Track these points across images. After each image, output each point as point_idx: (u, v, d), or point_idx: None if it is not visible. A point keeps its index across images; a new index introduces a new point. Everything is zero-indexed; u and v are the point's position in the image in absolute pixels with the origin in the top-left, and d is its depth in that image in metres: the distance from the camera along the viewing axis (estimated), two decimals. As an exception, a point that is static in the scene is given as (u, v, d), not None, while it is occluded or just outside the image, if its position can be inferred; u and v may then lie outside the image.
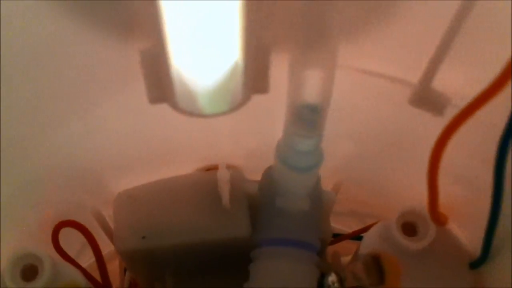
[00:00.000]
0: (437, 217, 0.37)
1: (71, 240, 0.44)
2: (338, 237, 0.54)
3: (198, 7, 0.26)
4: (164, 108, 0.37)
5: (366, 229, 0.48)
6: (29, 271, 0.38)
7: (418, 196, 0.40)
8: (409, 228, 0.39)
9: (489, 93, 0.26)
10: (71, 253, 0.42)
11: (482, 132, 0.35)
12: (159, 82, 0.29)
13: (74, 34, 0.30)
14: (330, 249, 0.50)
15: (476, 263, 0.39)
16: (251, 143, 0.45)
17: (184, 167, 0.45)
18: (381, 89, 0.35)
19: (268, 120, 0.42)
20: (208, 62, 0.29)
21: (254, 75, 0.29)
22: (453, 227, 0.41)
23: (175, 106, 0.30)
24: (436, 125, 0.34)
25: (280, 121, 0.36)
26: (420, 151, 0.37)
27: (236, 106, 0.31)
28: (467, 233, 0.41)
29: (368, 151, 0.46)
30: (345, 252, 0.49)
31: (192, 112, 0.30)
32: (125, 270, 0.50)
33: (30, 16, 0.29)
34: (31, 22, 0.28)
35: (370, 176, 0.49)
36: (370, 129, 0.43)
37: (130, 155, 0.44)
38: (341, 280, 0.39)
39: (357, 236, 0.52)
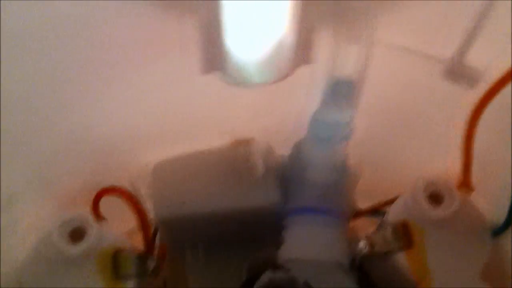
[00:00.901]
0: (468, 184, 0.39)
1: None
2: (356, 212, 0.56)
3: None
4: (195, 83, 0.40)
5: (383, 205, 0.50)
6: (76, 234, 0.40)
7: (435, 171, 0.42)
8: (435, 197, 0.41)
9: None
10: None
11: (505, 114, 0.37)
12: (212, 53, 0.31)
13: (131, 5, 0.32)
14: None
15: (498, 231, 0.41)
16: (273, 119, 0.47)
17: (214, 140, 0.47)
18: (411, 63, 0.37)
19: (290, 99, 0.44)
20: (258, 36, 0.31)
21: (301, 47, 0.31)
22: (475, 198, 0.43)
23: (225, 76, 0.32)
24: (461, 99, 0.36)
25: (302, 100, 0.38)
26: (441, 127, 0.39)
27: (282, 77, 0.33)
28: (488, 204, 0.43)
29: (386, 129, 0.48)
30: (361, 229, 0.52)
31: (241, 82, 0.32)
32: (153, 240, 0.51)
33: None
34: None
35: (385, 153, 0.51)
36: (393, 105, 0.45)
37: (161, 129, 0.46)
38: (371, 245, 0.41)
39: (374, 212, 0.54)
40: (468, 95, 0.34)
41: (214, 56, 0.31)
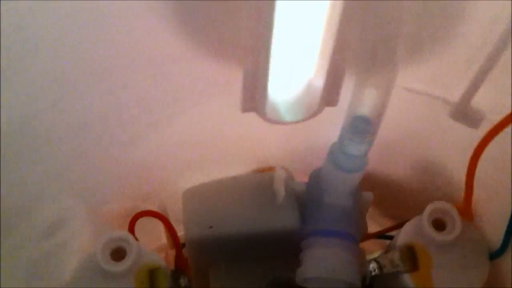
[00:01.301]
0: (470, 213, 0.44)
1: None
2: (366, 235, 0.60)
3: (290, 33, 0.33)
4: (234, 122, 0.45)
5: (389, 229, 0.55)
6: (118, 253, 0.44)
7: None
8: (438, 223, 0.46)
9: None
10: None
11: (501, 141, 0.42)
12: (253, 94, 0.36)
13: (183, 50, 0.37)
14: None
15: (495, 254, 0.46)
16: (297, 148, 0.52)
17: (239, 168, 0.52)
18: (421, 105, 0.42)
19: (315, 130, 0.49)
20: (293, 80, 0.36)
21: (329, 90, 0.36)
22: (475, 223, 0.48)
23: (262, 115, 0.37)
24: (463, 138, 0.41)
25: (324, 131, 0.43)
26: (446, 159, 0.44)
27: (311, 115, 0.38)
28: (487, 229, 0.47)
29: (397, 161, 0.53)
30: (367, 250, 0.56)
31: (276, 121, 0.37)
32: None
33: (149, 28, 0.35)
34: (153, 35, 0.35)
35: (392, 182, 0.56)
36: (402, 141, 0.50)
37: (194, 158, 0.50)
38: (380, 267, 0.46)
39: (383, 235, 0.59)
40: (473, 133, 0.39)
41: (253, 97, 0.36)
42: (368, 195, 0.50)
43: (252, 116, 0.40)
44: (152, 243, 0.54)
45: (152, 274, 0.44)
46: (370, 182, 0.52)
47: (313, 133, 0.48)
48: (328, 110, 0.41)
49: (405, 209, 0.50)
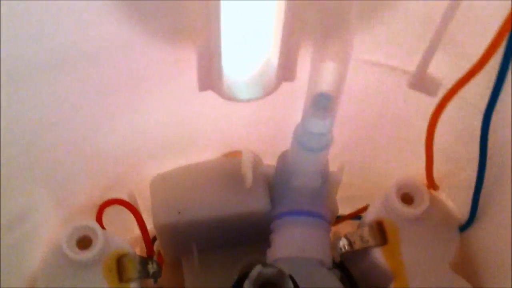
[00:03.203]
0: (433, 182, 0.44)
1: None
2: (338, 218, 0.60)
3: (242, 14, 0.33)
4: (194, 103, 0.44)
5: (363, 210, 0.55)
6: (84, 242, 0.44)
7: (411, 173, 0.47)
8: (407, 197, 0.46)
9: (469, 75, 0.34)
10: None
11: (464, 115, 0.42)
12: (209, 73, 0.35)
13: (133, 37, 0.37)
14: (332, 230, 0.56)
15: (465, 226, 0.46)
16: (265, 132, 0.52)
17: (207, 153, 0.52)
18: (381, 76, 0.42)
19: (281, 111, 0.48)
20: (248, 57, 0.36)
21: (285, 66, 0.36)
22: (443, 197, 0.48)
23: (219, 92, 0.36)
24: (425, 107, 0.41)
25: (290, 113, 0.43)
26: (409, 130, 0.44)
27: (268, 92, 0.37)
28: (455, 201, 0.48)
29: (361, 136, 0.53)
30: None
31: (233, 98, 0.37)
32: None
33: (97, 20, 0.35)
34: (103, 26, 0.35)
35: (363, 159, 0.56)
36: (364, 115, 0.50)
37: (161, 144, 0.50)
38: (350, 243, 0.46)
39: (356, 217, 0.59)
40: (432, 101, 0.39)
41: (209, 76, 0.36)
42: (337, 175, 0.50)
43: (215, 99, 0.40)
44: (126, 235, 0.53)
45: (120, 261, 0.44)
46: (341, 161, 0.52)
47: (281, 116, 0.48)
48: (294, 92, 0.41)
49: (375, 188, 0.49)
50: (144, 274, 0.45)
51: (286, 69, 0.36)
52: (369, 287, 0.49)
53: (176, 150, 0.50)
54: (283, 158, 0.48)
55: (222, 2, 0.31)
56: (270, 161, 0.50)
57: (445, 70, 0.37)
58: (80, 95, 0.40)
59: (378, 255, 0.45)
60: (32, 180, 0.42)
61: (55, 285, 0.43)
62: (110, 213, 0.48)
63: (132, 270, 0.44)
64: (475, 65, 0.34)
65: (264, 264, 0.37)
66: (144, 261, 0.45)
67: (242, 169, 0.47)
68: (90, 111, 0.42)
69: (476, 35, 0.34)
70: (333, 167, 0.49)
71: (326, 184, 0.48)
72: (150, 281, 0.47)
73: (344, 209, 0.57)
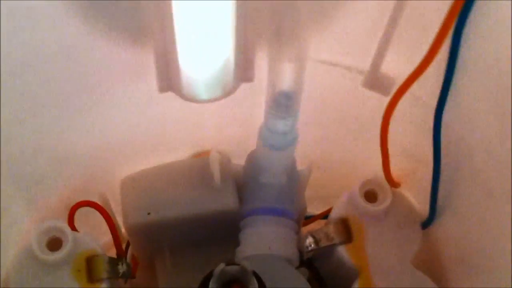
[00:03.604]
0: (391, 180, 0.45)
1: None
2: (309, 218, 0.61)
3: (200, 13, 0.34)
4: (160, 104, 0.46)
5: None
6: (54, 243, 0.44)
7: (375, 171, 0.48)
8: (370, 195, 0.47)
9: (417, 72, 0.35)
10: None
11: (419, 113, 0.43)
12: (167, 74, 0.36)
13: (92, 38, 0.38)
14: (303, 230, 0.57)
15: (426, 223, 0.47)
16: (234, 131, 0.53)
17: (177, 154, 0.53)
18: (337, 76, 0.43)
19: (248, 112, 0.49)
20: (206, 57, 0.37)
21: (242, 67, 0.37)
22: (407, 194, 0.49)
23: (179, 93, 0.37)
24: (382, 106, 0.42)
25: (258, 113, 0.44)
26: (371, 129, 0.45)
27: (228, 93, 0.38)
28: (418, 198, 0.49)
29: (328, 135, 0.54)
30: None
31: (193, 98, 0.38)
32: (126, 250, 0.56)
33: (55, 22, 0.36)
34: (56, 27, 0.35)
35: (330, 158, 0.57)
36: (327, 115, 0.51)
37: (130, 145, 0.51)
38: (316, 241, 0.47)
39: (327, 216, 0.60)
40: (386, 100, 0.40)
41: (168, 76, 0.37)
42: (305, 172, 0.51)
43: (180, 100, 0.41)
44: (102, 238, 0.54)
45: (90, 261, 0.45)
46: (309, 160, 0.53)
47: (247, 116, 0.49)
48: (258, 92, 0.42)
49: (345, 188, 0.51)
50: (113, 274, 0.45)
51: (244, 70, 0.37)
52: (336, 285, 0.49)
53: (146, 151, 0.51)
54: (250, 157, 0.49)
55: (176, 2, 0.32)
56: (239, 161, 0.51)
57: (398, 69, 0.39)
58: (43, 96, 0.41)
59: (343, 252, 0.46)
60: (2, 180, 0.43)
61: (26, 285, 0.44)
62: (85, 216, 0.49)
63: (101, 270, 0.45)
64: (422, 62, 0.35)
65: (227, 262, 0.38)
66: (113, 262, 0.45)
67: (210, 168, 0.48)
68: (55, 111, 0.42)
69: (425, 33, 0.35)
70: (302, 165, 0.49)
71: (294, 182, 0.49)
72: (122, 282, 0.48)
73: (316, 210, 0.58)
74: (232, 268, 0.39)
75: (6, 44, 0.34)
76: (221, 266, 0.38)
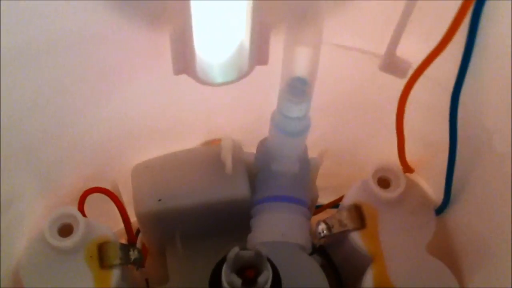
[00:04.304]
0: (406, 165, 0.45)
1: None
2: (319, 207, 0.61)
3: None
4: (173, 90, 0.45)
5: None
6: (66, 229, 0.44)
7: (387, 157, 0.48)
8: (384, 181, 0.47)
9: (433, 54, 0.34)
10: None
11: (435, 97, 0.43)
12: (183, 57, 0.36)
13: (111, 22, 0.37)
14: (313, 219, 0.57)
15: (441, 209, 0.47)
16: (246, 119, 0.52)
17: (188, 142, 0.53)
18: (353, 60, 0.43)
19: (260, 98, 0.49)
20: (221, 40, 0.37)
21: (257, 49, 0.37)
22: (420, 180, 0.49)
23: (194, 76, 0.37)
24: (397, 90, 0.42)
25: (270, 100, 0.44)
26: (384, 115, 0.45)
27: (242, 76, 0.38)
28: (431, 184, 0.48)
29: (341, 122, 0.54)
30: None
31: (207, 81, 0.38)
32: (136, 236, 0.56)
33: (80, 8, 0.36)
34: (80, 14, 0.35)
35: (341, 146, 0.57)
36: (340, 100, 0.50)
37: (142, 132, 0.51)
38: (329, 228, 0.47)
39: (337, 205, 0.59)
40: (401, 84, 0.40)
41: (183, 59, 0.37)
42: (317, 160, 0.51)
43: (193, 86, 0.41)
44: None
45: (102, 247, 0.44)
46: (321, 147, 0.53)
47: (259, 102, 0.49)
48: (271, 78, 0.42)
49: (354, 175, 0.50)
50: (125, 260, 0.45)
51: (259, 53, 0.37)
52: (349, 271, 0.49)
53: (158, 139, 0.51)
54: (262, 144, 0.49)
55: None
56: (250, 149, 0.50)
57: (414, 52, 0.38)
58: (59, 82, 0.40)
59: (357, 239, 0.46)
60: (15, 167, 0.42)
61: (38, 272, 0.43)
62: (95, 206, 0.49)
63: (113, 256, 0.44)
64: (438, 45, 0.34)
65: (242, 247, 0.38)
66: (125, 248, 0.45)
67: (222, 156, 0.48)
68: (70, 98, 0.42)
69: (441, 16, 0.35)
70: (313, 154, 0.49)
71: (306, 169, 0.48)
72: (134, 269, 0.47)
73: (324, 199, 0.57)
74: (246, 253, 0.38)
75: (28, 30, 0.34)
76: (235, 250, 0.38)
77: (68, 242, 0.43)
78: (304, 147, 0.48)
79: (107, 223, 0.48)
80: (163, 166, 0.50)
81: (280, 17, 0.36)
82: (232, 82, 0.38)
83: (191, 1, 0.33)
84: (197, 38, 0.36)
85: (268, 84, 0.43)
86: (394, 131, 0.45)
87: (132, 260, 0.45)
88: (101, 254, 0.44)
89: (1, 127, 0.39)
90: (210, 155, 0.50)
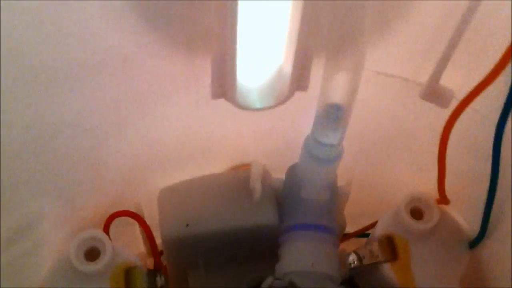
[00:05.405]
0: (444, 196, 0.44)
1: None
2: (345, 235, 0.60)
3: (256, 20, 0.33)
4: (203, 115, 0.45)
5: (370, 227, 0.54)
6: (91, 253, 0.43)
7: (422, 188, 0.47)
8: (416, 212, 0.46)
9: (480, 86, 0.34)
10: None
11: (477, 128, 0.42)
12: (222, 81, 0.35)
13: (146, 45, 0.37)
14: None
15: (474, 242, 0.46)
16: (275, 145, 0.52)
17: (215, 166, 0.52)
18: (393, 88, 0.42)
19: (289, 124, 0.48)
20: (260, 64, 0.36)
21: (298, 75, 0.36)
22: (453, 212, 0.48)
23: (232, 101, 0.36)
24: (436, 120, 0.41)
25: (300, 125, 0.43)
26: (419, 144, 0.44)
27: (281, 101, 0.37)
28: (465, 218, 0.47)
29: (371, 150, 0.53)
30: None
31: (246, 106, 0.37)
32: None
33: (113, 28, 0.36)
34: (120, 36, 0.35)
35: (369, 174, 0.56)
36: (376, 128, 0.50)
37: (169, 156, 0.50)
38: (360, 259, 0.46)
39: (362, 234, 0.59)
40: (443, 115, 0.39)
41: (222, 83, 0.36)
42: (346, 189, 0.50)
43: (224, 110, 0.40)
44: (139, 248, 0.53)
45: (128, 273, 0.44)
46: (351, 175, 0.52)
47: (289, 128, 0.48)
48: (303, 103, 0.41)
49: (382, 204, 0.49)
50: (152, 286, 0.44)
51: (300, 78, 0.37)
52: (378, 304, 0.48)
53: (184, 162, 0.50)
54: (291, 171, 0.48)
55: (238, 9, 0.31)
56: (278, 175, 0.50)
57: (457, 82, 0.38)
58: (92, 105, 0.40)
59: (388, 271, 0.45)
60: (40, 188, 0.42)
61: (62, 296, 0.42)
62: (114, 230, 0.47)
63: (140, 282, 0.44)
64: (487, 77, 0.34)
65: (275, 277, 0.37)
66: (152, 274, 0.44)
67: (251, 182, 0.47)
68: (101, 121, 0.42)
69: (488, 46, 0.35)
70: (341, 182, 0.48)
71: (335, 197, 0.47)
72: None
73: (349, 227, 0.56)
74: (280, 283, 0.38)
75: (65, 51, 0.33)
76: (269, 280, 0.37)
77: (94, 267, 0.43)
78: (335, 175, 0.47)
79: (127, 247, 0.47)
80: (190, 190, 0.49)
81: (322, 42, 0.36)
82: (270, 107, 0.38)
83: (233, 27, 0.32)
84: (239, 63, 0.35)
85: (299, 109, 0.42)
86: (425, 161, 0.44)
87: (158, 286, 0.44)
88: (127, 280, 0.43)
89: (26, 150, 0.38)
90: (238, 180, 0.49)
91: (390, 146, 0.49)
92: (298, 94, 0.41)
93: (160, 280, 0.44)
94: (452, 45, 0.33)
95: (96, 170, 0.46)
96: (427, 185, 0.46)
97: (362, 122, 0.45)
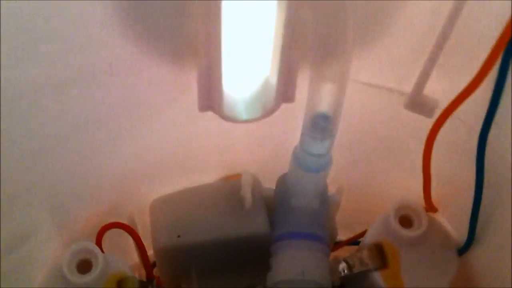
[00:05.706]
0: (431, 205, 0.44)
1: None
2: (336, 244, 0.60)
3: (242, 33, 0.34)
4: (192, 126, 0.45)
5: (361, 235, 0.55)
6: (84, 265, 0.44)
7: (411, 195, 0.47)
8: (405, 220, 0.46)
9: (463, 95, 0.34)
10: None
11: (461, 136, 0.42)
12: (209, 93, 0.36)
13: (136, 58, 0.37)
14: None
15: (463, 249, 0.46)
16: (265, 154, 0.52)
17: (206, 176, 0.52)
18: (377, 98, 0.43)
19: (279, 134, 0.49)
20: (246, 76, 0.37)
21: (284, 87, 0.36)
22: (442, 220, 0.48)
23: (219, 113, 0.37)
24: (421, 129, 0.42)
25: (288, 135, 0.44)
26: (406, 153, 0.44)
27: (268, 113, 0.38)
28: (454, 225, 0.48)
29: (360, 159, 0.53)
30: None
31: (233, 118, 0.37)
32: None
33: (101, 40, 0.36)
34: (112, 48, 0.35)
35: (357, 182, 0.56)
36: (363, 137, 0.50)
37: (160, 167, 0.50)
38: (349, 267, 0.46)
39: (354, 242, 0.59)
40: (428, 124, 0.39)
41: (209, 96, 0.36)
42: (337, 197, 0.50)
43: (214, 122, 0.41)
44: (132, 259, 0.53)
45: (120, 284, 0.44)
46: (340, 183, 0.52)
47: (279, 138, 0.48)
48: (292, 113, 0.42)
49: (372, 213, 0.50)
50: (144, 297, 0.44)
51: (286, 90, 0.37)
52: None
53: (176, 173, 0.50)
54: (282, 180, 0.48)
55: (223, 22, 0.31)
56: (269, 184, 0.50)
57: (441, 92, 0.38)
58: (83, 116, 0.40)
59: (378, 279, 0.45)
60: (33, 201, 0.42)
61: (55, 307, 0.43)
62: (108, 240, 0.48)
63: (132, 293, 0.44)
64: (469, 85, 0.34)
65: (266, 286, 0.37)
66: (143, 285, 0.45)
67: (242, 192, 0.48)
68: (92, 133, 0.42)
69: (471, 56, 0.35)
70: (331, 190, 0.49)
71: (325, 206, 0.48)
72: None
73: (341, 235, 0.57)
74: (270, 293, 0.38)
75: (58, 62, 0.34)
76: None
77: (87, 279, 0.43)
78: (324, 184, 0.47)
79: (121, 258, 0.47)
80: (181, 201, 0.49)
81: (307, 53, 0.36)
82: (257, 119, 0.38)
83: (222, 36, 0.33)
84: (224, 74, 0.35)
85: (288, 120, 0.43)
86: (414, 169, 0.44)
87: (150, 297, 0.44)
88: (119, 291, 0.44)
89: (20, 162, 0.39)
90: (229, 190, 0.50)
91: (379, 155, 0.50)
92: (288, 104, 0.41)
93: (152, 290, 0.44)
94: (433, 58, 0.34)
95: (89, 182, 0.46)
96: (417, 193, 0.46)
97: (351, 132, 0.45)
